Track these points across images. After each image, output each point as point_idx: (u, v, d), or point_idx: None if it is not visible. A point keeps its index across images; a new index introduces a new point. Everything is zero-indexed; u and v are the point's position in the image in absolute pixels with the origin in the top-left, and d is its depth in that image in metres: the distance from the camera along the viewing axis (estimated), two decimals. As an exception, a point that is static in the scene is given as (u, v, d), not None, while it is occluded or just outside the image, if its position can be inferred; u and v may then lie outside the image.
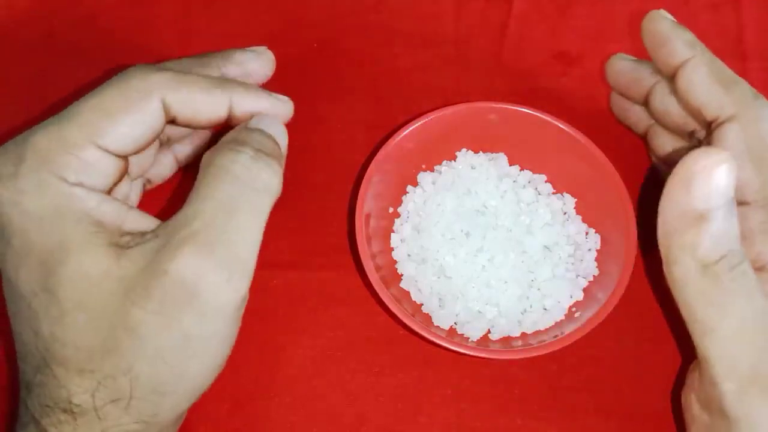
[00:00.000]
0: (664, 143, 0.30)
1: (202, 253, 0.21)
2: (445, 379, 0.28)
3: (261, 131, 0.25)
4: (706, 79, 0.25)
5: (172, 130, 0.29)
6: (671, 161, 0.30)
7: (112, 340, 0.21)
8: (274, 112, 0.26)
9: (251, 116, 0.26)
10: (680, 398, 0.26)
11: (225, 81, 0.25)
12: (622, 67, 0.31)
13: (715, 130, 0.26)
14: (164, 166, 0.30)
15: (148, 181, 0.30)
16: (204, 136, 0.31)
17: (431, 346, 0.26)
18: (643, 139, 0.32)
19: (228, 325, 0.23)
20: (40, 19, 0.36)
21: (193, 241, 0.21)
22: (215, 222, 0.22)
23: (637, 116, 0.32)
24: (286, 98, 0.27)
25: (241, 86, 0.26)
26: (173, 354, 0.21)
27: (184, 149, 0.30)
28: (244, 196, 0.22)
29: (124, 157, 0.24)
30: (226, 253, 0.22)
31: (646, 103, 0.30)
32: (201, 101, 0.24)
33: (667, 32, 0.26)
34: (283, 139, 0.26)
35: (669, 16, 0.27)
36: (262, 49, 0.28)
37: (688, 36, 0.26)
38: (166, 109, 0.24)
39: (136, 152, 0.24)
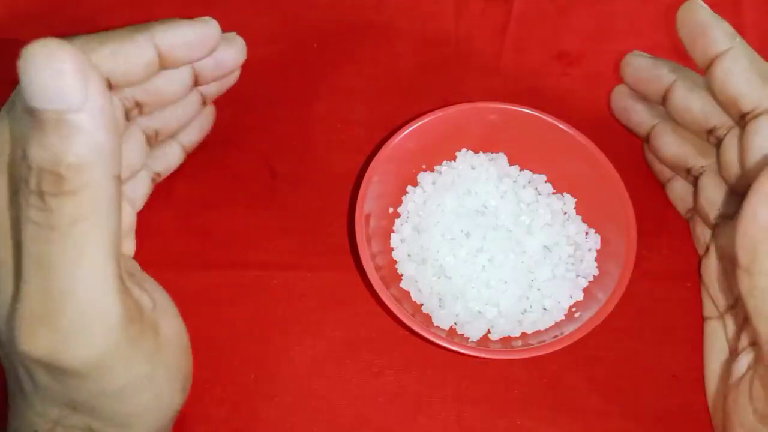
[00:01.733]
0: (668, 143, 0.30)
1: (42, 327, 0.18)
2: (445, 379, 0.28)
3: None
4: (746, 70, 0.25)
5: (172, 119, 0.28)
6: (676, 164, 0.30)
7: (49, 383, 0.20)
8: (201, 38, 0.25)
9: (185, 52, 0.24)
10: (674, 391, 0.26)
11: (143, 24, 0.24)
12: (639, 63, 0.30)
13: (750, 122, 0.25)
14: (171, 157, 0.30)
15: (158, 174, 0.30)
16: (208, 117, 0.31)
17: (431, 346, 0.26)
18: (645, 139, 0.32)
19: (135, 368, 0.21)
20: (40, 19, 0.36)
21: (28, 317, 0.19)
22: (37, 287, 0.18)
23: (639, 117, 0.31)
24: (208, 18, 0.25)
25: (160, 22, 0.24)
26: (104, 405, 0.21)
27: (189, 136, 0.30)
28: (54, 246, 0.18)
29: None
30: (62, 320, 0.18)
31: (663, 100, 0.29)
32: (126, 53, 0.23)
33: (706, 22, 0.25)
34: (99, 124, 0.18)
35: (705, 6, 0.26)
36: (232, 35, 0.27)
37: (726, 27, 0.26)
38: None
39: None
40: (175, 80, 0.26)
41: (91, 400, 0.21)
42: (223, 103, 0.31)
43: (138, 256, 0.28)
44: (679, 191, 0.31)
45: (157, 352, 0.22)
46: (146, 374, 0.21)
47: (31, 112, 0.17)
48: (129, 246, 0.28)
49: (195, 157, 0.31)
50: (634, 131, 0.32)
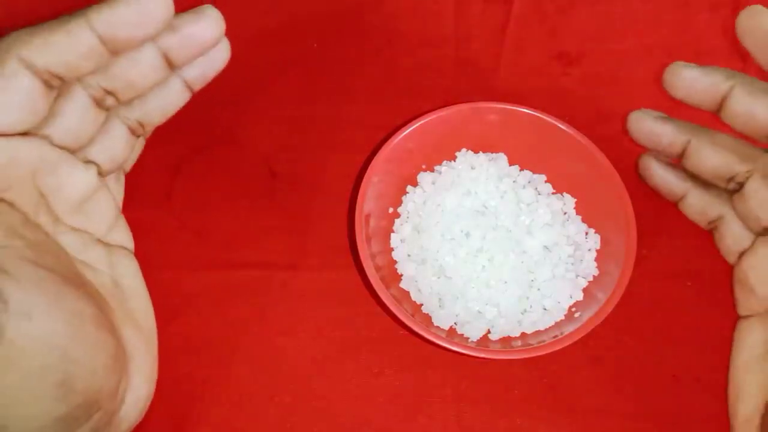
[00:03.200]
0: (708, 156, 0.29)
1: None
2: (445, 379, 0.28)
3: None
4: None
5: (154, 109, 0.27)
6: (717, 174, 0.29)
7: None
8: (142, 14, 0.22)
9: (129, 32, 0.22)
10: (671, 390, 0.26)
11: (79, 10, 0.22)
12: (691, 74, 0.28)
13: None
14: (174, 94, 0.27)
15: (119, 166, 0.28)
16: (221, 58, 0.26)
17: (431, 346, 0.26)
18: (680, 156, 0.30)
19: None
20: (40, 19, 0.36)
21: None
22: None
23: (670, 137, 0.30)
24: None
25: (96, 5, 0.22)
26: None
27: (194, 71, 0.27)
28: None
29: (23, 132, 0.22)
30: None
31: (719, 108, 0.28)
32: (60, 43, 0.21)
33: None
34: None
35: None
36: (204, 7, 0.24)
37: None
38: (32, 67, 0.21)
39: (28, 124, 0.22)
40: (141, 62, 0.24)
41: None
42: (223, 103, 0.31)
43: (138, 256, 0.28)
44: (697, 206, 0.30)
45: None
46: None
47: None
48: (121, 237, 0.28)
49: (195, 157, 0.31)
50: (665, 153, 0.31)
